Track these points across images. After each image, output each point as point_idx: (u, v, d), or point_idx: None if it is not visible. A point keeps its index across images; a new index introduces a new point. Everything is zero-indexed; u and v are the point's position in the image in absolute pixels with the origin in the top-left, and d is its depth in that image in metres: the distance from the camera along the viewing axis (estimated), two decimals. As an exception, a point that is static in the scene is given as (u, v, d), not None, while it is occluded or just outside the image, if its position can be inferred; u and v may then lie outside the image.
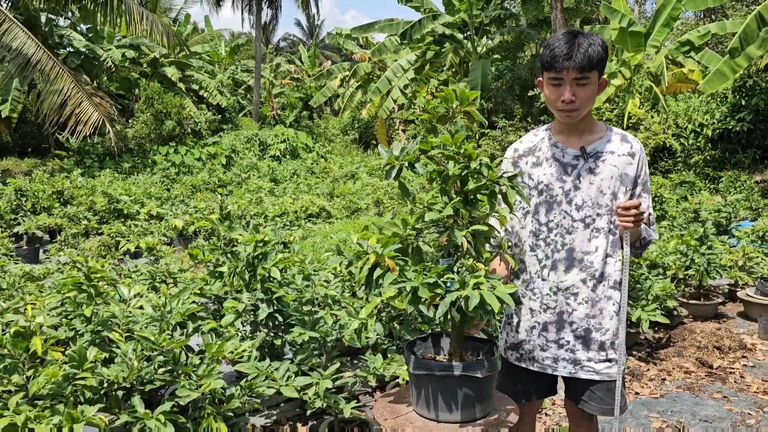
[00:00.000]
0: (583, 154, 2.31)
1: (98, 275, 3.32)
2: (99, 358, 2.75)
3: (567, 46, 2.14)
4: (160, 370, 2.88)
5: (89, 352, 2.70)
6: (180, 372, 2.87)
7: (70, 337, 3.15)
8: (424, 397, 2.18)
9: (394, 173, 2.16)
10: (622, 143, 2.33)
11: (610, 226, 2.30)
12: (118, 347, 2.91)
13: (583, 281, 2.31)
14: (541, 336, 2.38)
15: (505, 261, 2.30)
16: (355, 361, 4.45)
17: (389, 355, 3.57)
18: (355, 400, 3.53)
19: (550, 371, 2.39)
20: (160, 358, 2.88)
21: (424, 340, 2.49)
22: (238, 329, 3.70)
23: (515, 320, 2.46)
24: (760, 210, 10.29)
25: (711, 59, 14.88)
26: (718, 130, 14.12)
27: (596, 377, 2.33)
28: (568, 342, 2.34)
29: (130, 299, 3.47)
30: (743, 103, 13.95)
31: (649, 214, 2.40)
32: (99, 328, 3.12)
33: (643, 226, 2.36)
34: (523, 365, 2.45)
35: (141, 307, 3.30)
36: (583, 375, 2.34)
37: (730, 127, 13.93)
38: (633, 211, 2.18)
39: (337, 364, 3.20)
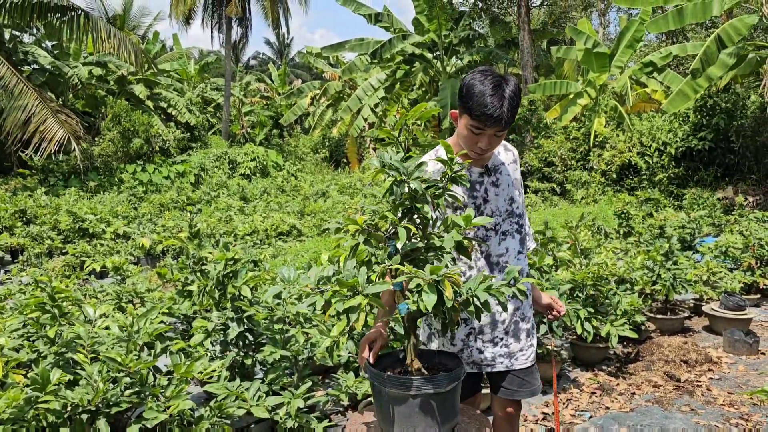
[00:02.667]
0: (486, 171, 2.52)
1: (62, 295, 3.24)
2: (63, 381, 2.67)
3: (498, 106, 2.21)
4: (127, 392, 2.81)
5: (52, 375, 2.63)
6: (147, 393, 2.81)
7: (33, 360, 3.06)
8: (388, 415, 2.16)
9: (404, 189, 2.15)
10: (507, 152, 2.59)
11: (516, 226, 2.55)
12: (82, 369, 2.84)
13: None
14: (477, 340, 2.52)
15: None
16: (327, 380, 4.40)
17: (361, 373, 3.54)
18: (327, 420, 3.48)
19: (488, 369, 2.55)
20: (127, 379, 2.82)
21: (385, 358, 2.48)
22: (208, 349, 3.64)
23: (448, 333, 2.55)
24: (722, 226, 10.54)
25: (673, 80, 15.32)
26: (681, 149, 14.48)
27: (528, 364, 2.56)
28: (502, 338, 2.53)
29: (95, 320, 3.39)
30: (704, 122, 14.35)
31: (526, 215, 2.70)
32: (63, 349, 3.04)
33: (532, 244, 2.74)
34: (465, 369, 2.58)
35: (107, 328, 3.22)
36: (519, 365, 2.54)
37: (692, 145, 14.31)
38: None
39: (309, 383, 3.16)
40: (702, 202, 12.70)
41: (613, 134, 15.30)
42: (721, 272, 6.86)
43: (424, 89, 23.13)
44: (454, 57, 22.69)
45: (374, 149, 26.43)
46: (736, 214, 11.34)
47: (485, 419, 2.40)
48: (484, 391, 2.90)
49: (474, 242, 2.46)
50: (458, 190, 2.51)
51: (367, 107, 22.04)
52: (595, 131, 15.38)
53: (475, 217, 2.42)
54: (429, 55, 21.59)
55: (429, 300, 1.96)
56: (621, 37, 16.30)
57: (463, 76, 2.41)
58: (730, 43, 11.16)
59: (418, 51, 20.85)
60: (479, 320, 2.12)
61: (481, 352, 2.52)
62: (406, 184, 2.15)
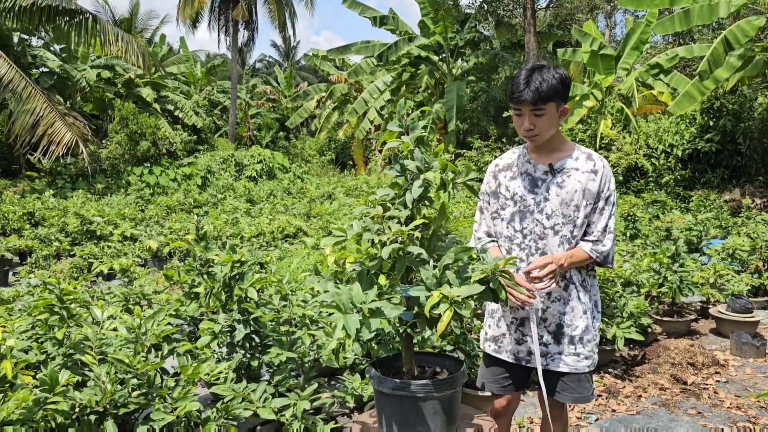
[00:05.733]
0: (551, 170, 2.57)
1: (71, 297, 3.27)
2: (71, 382, 2.69)
3: (524, 82, 2.42)
4: (135, 394, 2.83)
5: (61, 376, 2.65)
6: (155, 395, 2.82)
7: (42, 361, 3.09)
8: (391, 418, 2.17)
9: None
10: (587, 161, 2.58)
11: (569, 235, 2.55)
12: (90, 370, 2.86)
13: (555, 281, 2.53)
14: (518, 330, 2.61)
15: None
16: (332, 382, 4.41)
17: (367, 375, 3.55)
18: (333, 422, 3.49)
19: (524, 363, 2.62)
20: (135, 381, 2.83)
21: (388, 362, 2.53)
22: (215, 351, 3.66)
23: (497, 315, 2.69)
24: (729, 228, 10.49)
25: (679, 82, 15.26)
26: (687, 151, 14.43)
27: (566, 369, 2.57)
28: (542, 336, 2.58)
29: (103, 321, 3.41)
30: (711, 124, 14.29)
31: (605, 227, 2.57)
32: (71, 350, 3.06)
33: (589, 247, 2.55)
34: (501, 357, 2.67)
35: (115, 329, 3.24)
36: (554, 367, 2.57)
37: (699, 147, 14.25)
38: (545, 272, 2.39)
39: (315, 385, 3.18)
40: (709, 204, 12.64)
41: (620, 136, 15.26)
42: (728, 274, 6.84)
43: (429, 91, 23.14)
44: (459, 59, 22.70)
45: (380, 151, 26.44)
46: (743, 216, 11.29)
47: (489, 422, 2.42)
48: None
49: (530, 236, 2.57)
50: (515, 185, 2.62)
51: (373, 110, 22.06)
52: (602, 133, 15.34)
53: (533, 212, 2.56)
54: (435, 58, 21.61)
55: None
56: (627, 39, 16.26)
57: None
58: (737, 44, 11.12)
59: (423, 53, 20.87)
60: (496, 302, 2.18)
61: (519, 343, 2.61)
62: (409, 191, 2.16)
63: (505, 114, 18.25)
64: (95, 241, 10.85)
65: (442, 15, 19.58)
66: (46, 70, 20.58)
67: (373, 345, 3.78)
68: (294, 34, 46.48)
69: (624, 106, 15.54)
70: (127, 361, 2.72)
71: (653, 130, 15.23)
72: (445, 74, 21.87)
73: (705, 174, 14.63)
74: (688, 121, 14.85)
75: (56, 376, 2.60)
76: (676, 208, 13.04)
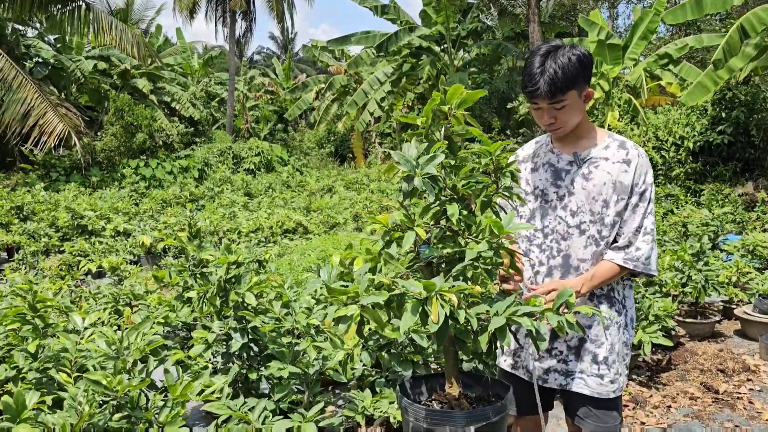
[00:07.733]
0: (576, 159, 2.25)
1: (46, 305, 2.90)
2: (42, 407, 2.34)
3: (538, 72, 2.07)
4: (116, 416, 2.48)
5: (29, 398, 2.29)
6: (139, 417, 2.47)
7: (12, 377, 2.74)
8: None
9: (414, 184, 1.81)
10: (619, 150, 2.23)
11: (601, 234, 2.20)
12: (66, 390, 2.50)
13: None
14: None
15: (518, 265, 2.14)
16: (337, 391, 4.07)
17: (378, 389, 3.20)
18: (341, 441, 3.15)
19: (540, 383, 2.26)
20: (115, 402, 2.48)
21: (419, 382, 2.20)
22: (209, 360, 3.31)
23: (513, 327, 2.27)
24: (744, 223, 10.16)
25: (689, 72, 14.89)
26: (698, 143, 14.04)
27: (586, 391, 2.22)
28: (561, 352, 2.25)
29: (83, 330, 3.06)
30: (723, 115, 13.91)
31: (638, 227, 2.18)
32: (46, 365, 2.71)
33: (621, 257, 2.17)
34: (517, 374, 2.34)
35: (94, 341, 2.89)
36: (574, 387, 2.24)
37: (710, 139, 13.86)
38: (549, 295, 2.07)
39: (321, 404, 2.82)
40: (721, 198, 12.28)
41: (628, 128, 14.88)
42: (750, 273, 6.50)
43: (431, 83, 22.73)
44: (461, 50, 22.30)
45: (380, 144, 26.05)
46: (759, 210, 10.95)
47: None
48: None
49: (552, 235, 2.22)
50: (536, 177, 2.31)
51: (373, 101, 21.67)
52: (609, 125, 14.97)
53: (555, 208, 2.23)
54: (436, 48, 21.21)
55: (406, 321, 1.63)
56: (635, 29, 15.85)
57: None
58: (753, 33, 10.75)
59: (425, 44, 20.47)
60: (492, 354, 1.85)
61: (535, 359, 2.27)
62: (420, 180, 1.81)
63: (509, 105, 17.88)
64: (86, 237, 10.46)
65: (444, 4, 19.16)
66: (40, 60, 20.15)
67: (384, 354, 3.43)
68: (292, 25, 46.10)
69: (632, 97, 15.16)
70: (104, 382, 2.35)
71: (663, 121, 14.84)
72: (446, 65, 21.46)
73: (716, 167, 14.24)
74: (699, 112, 14.46)
75: (23, 399, 2.25)
76: (688, 202, 12.70)
